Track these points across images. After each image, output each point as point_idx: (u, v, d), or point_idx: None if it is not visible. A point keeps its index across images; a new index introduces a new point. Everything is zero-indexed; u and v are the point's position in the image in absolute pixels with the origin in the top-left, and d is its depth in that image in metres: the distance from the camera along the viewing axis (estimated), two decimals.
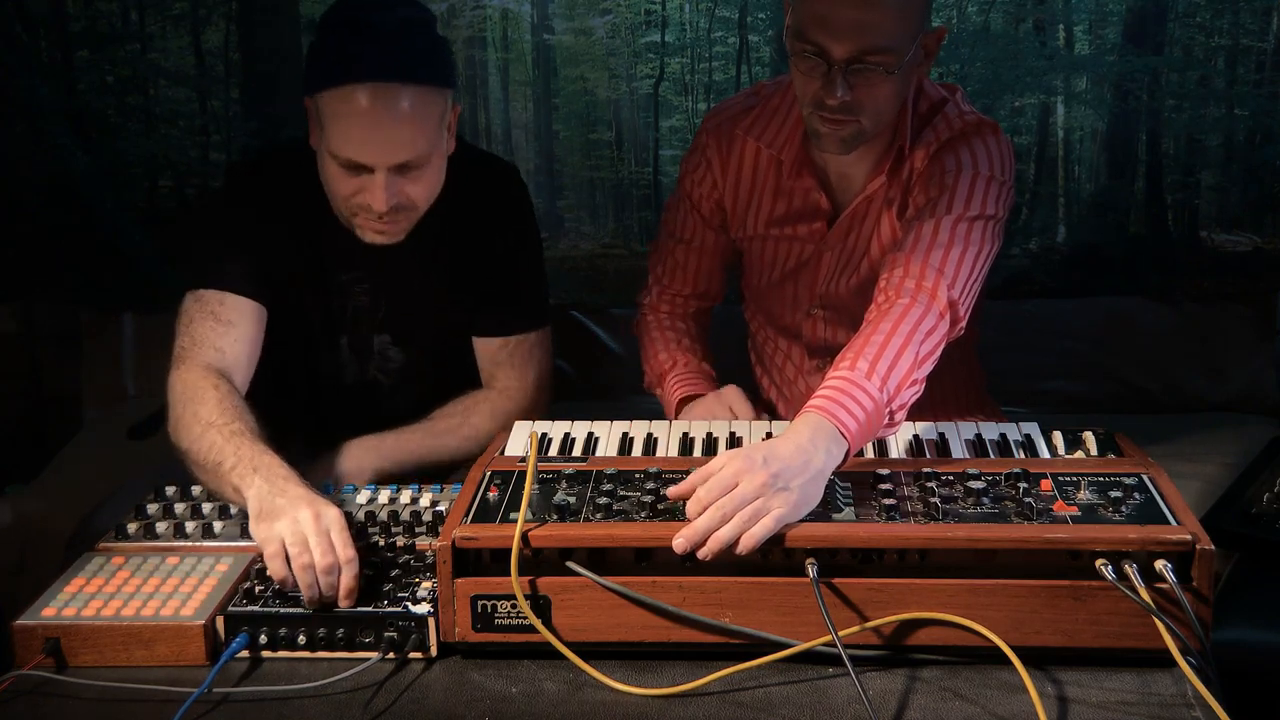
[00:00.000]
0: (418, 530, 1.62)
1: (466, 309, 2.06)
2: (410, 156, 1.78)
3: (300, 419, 2.11)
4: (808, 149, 1.93)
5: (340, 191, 1.83)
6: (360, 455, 1.89)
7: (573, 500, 1.49)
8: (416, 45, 1.77)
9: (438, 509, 1.66)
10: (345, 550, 1.47)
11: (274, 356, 1.99)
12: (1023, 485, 1.49)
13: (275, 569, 1.48)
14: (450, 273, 2.02)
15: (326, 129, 1.77)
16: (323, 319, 2.04)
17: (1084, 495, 1.48)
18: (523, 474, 1.56)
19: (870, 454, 1.68)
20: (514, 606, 1.42)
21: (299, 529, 1.48)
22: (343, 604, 1.46)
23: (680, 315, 2.13)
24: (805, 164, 1.93)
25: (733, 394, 1.98)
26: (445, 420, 1.99)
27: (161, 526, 1.65)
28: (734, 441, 1.76)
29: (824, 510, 1.46)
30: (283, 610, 1.45)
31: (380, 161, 1.76)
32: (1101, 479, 1.52)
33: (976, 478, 1.51)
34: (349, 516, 1.62)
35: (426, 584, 1.48)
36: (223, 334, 1.86)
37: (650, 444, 1.75)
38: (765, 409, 2.22)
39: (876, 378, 1.56)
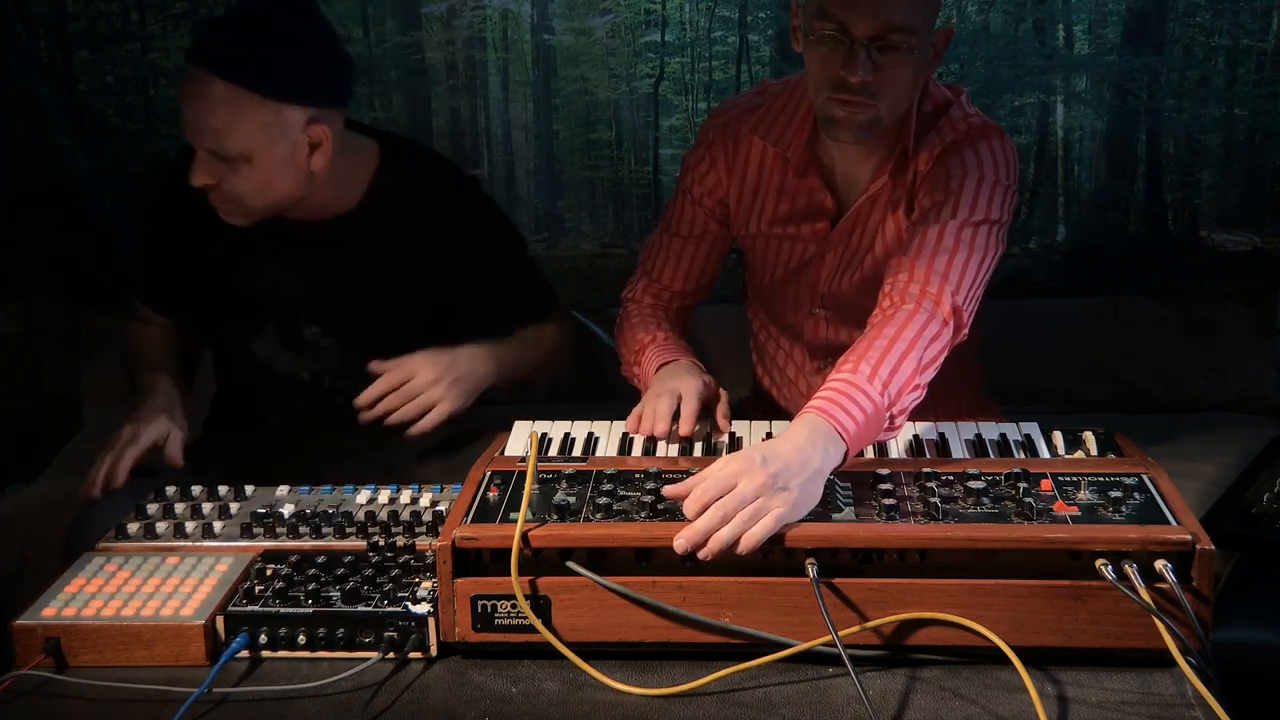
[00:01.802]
0: (418, 530, 1.62)
1: (443, 307, 2.12)
2: (216, 146, 1.85)
3: (253, 411, 2.19)
4: (814, 148, 1.93)
5: None
6: (480, 359, 2.02)
7: (573, 500, 1.49)
8: (264, 52, 1.83)
9: (438, 509, 1.66)
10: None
11: (221, 350, 2.17)
12: (1023, 485, 1.49)
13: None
14: (403, 271, 2.06)
15: None
16: (249, 310, 2.09)
17: (1084, 495, 1.48)
18: (523, 474, 1.56)
19: (870, 454, 1.68)
20: (514, 606, 1.42)
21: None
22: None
23: (664, 308, 2.12)
24: (811, 163, 1.93)
25: (692, 385, 1.81)
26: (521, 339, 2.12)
27: (161, 526, 1.65)
28: (734, 441, 1.76)
29: (824, 510, 1.46)
30: (283, 610, 1.45)
31: (191, 140, 1.87)
32: (1101, 479, 1.52)
33: (976, 478, 1.51)
34: (349, 516, 1.64)
35: (426, 584, 1.48)
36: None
37: (650, 444, 1.75)
38: (766, 409, 2.22)
39: (878, 381, 1.56)
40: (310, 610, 1.45)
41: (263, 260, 2.03)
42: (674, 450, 1.74)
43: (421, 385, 1.94)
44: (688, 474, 1.49)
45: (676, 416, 1.75)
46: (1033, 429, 1.74)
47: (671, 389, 1.79)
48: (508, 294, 2.14)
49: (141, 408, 1.98)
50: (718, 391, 1.84)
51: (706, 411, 1.80)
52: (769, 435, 1.75)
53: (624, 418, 1.81)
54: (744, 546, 1.39)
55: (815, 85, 1.79)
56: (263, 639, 1.45)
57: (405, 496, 1.72)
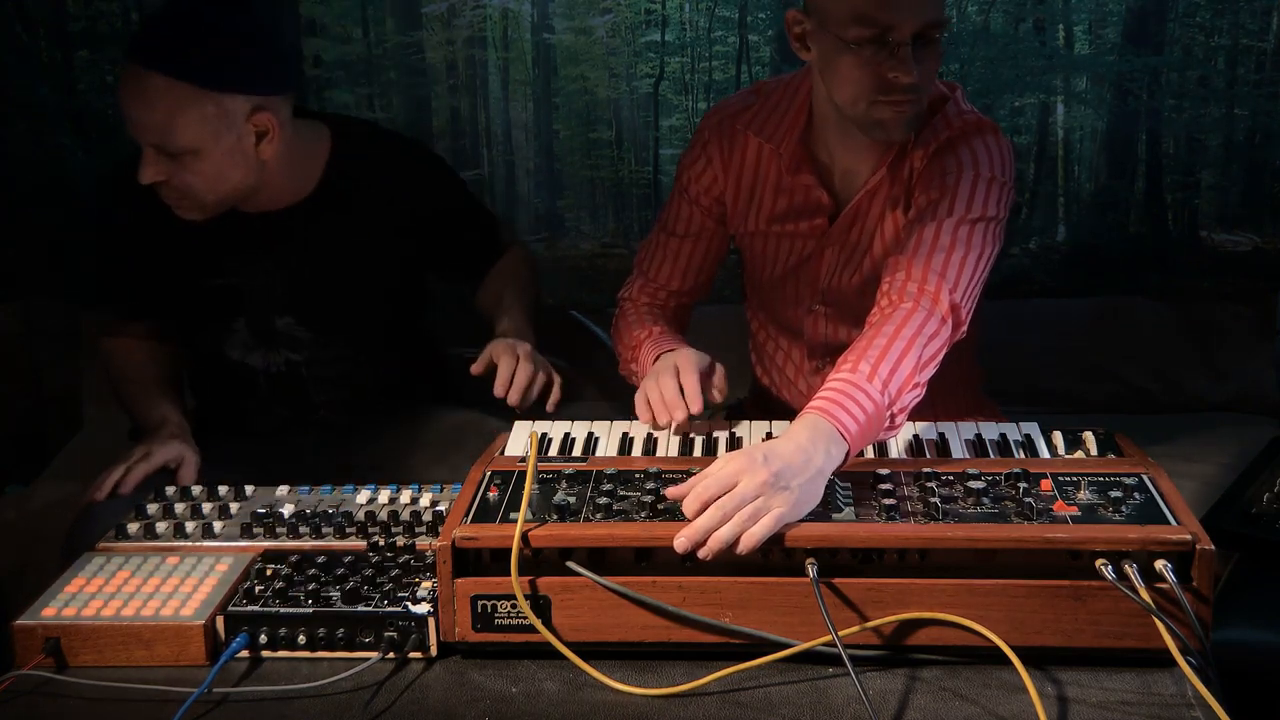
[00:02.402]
0: (418, 530, 1.62)
1: (411, 273, 2.17)
2: (161, 142, 1.85)
3: (231, 409, 2.20)
4: (807, 145, 1.93)
5: None
6: (522, 320, 2.06)
7: (573, 500, 1.49)
8: (200, 43, 1.83)
9: (438, 509, 1.66)
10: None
11: (196, 359, 2.16)
12: (1023, 485, 1.49)
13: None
14: (368, 248, 2.08)
15: None
16: (218, 308, 2.09)
17: (1084, 495, 1.48)
18: (523, 474, 1.56)
19: (870, 454, 1.68)
20: (514, 606, 1.42)
21: None
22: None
23: (660, 307, 2.12)
24: (804, 160, 1.93)
25: (686, 356, 1.83)
26: (499, 283, 2.17)
27: (161, 526, 1.65)
28: (734, 441, 1.76)
29: (824, 510, 1.46)
30: (283, 610, 1.45)
31: (137, 138, 1.87)
32: (1101, 479, 1.52)
33: (976, 478, 1.51)
34: (349, 516, 1.64)
35: (426, 584, 1.48)
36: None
37: (650, 444, 1.75)
38: (765, 409, 2.22)
39: (878, 380, 1.56)
40: (310, 610, 1.45)
41: (226, 255, 2.04)
42: (674, 449, 1.74)
43: (531, 357, 1.89)
44: (688, 473, 1.49)
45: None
46: (1033, 429, 1.74)
47: (669, 366, 1.79)
48: (468, 241, 2.20)
49: (157, 434, 1.98)
50: (714, 364, 1.84)
51: (704, 387, 1.79)
52: (769, 435, 1.75)
53: (624, 418, 1.81)
54: (744, 546, 1.39)
55: (855, 92, 1.76)
56: (263, 639, 1.45)
57: (405, 496, 1.72)
